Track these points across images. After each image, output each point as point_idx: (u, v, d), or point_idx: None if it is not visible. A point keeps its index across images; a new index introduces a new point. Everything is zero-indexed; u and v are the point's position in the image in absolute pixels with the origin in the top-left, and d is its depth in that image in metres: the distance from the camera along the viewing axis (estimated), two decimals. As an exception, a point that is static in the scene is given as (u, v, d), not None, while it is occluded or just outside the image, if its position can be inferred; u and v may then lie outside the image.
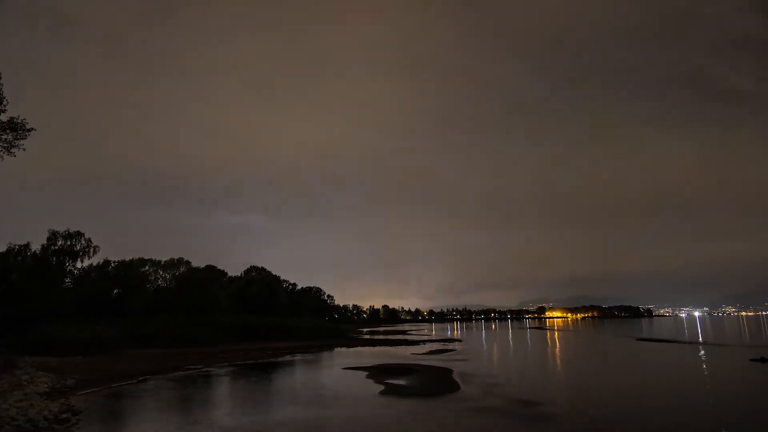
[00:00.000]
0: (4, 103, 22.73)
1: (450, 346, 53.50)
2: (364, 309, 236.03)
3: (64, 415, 15.80)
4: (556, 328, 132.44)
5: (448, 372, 27.95)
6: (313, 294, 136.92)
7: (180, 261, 71.03)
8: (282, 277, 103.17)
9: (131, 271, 60.23)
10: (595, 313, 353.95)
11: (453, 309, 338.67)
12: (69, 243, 50.75)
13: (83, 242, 51.65)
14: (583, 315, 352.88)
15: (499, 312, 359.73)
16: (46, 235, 49.99)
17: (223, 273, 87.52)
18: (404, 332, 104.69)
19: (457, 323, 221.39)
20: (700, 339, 61.85)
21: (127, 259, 62.72)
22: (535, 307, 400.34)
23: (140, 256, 67.03)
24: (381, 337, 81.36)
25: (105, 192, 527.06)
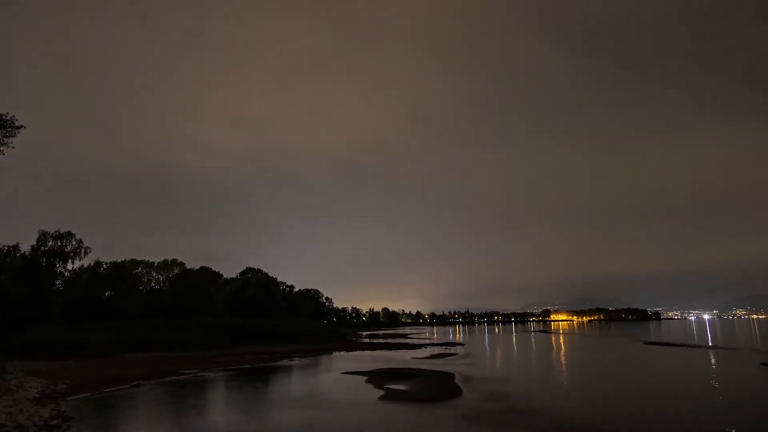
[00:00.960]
0: None
1: (452, 350, 53.51)
2: (364, 312, 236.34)
3: (55, 421, 15.81)
4: (561, 331, 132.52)
5: (449, 377, 27.96)
6: (311, 296, 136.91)
7: (174, 262, 71.05)
8: (279, 279, 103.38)
9: (124, 273, 60.28)
10: (602, 316, 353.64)
11: (455, 312, 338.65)
12: (59, 244, 50.81)
13: (74, 243, 51.72)
14: (589, 318, 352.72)
15: (503, 315, 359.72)
16: (35, 235, 50.11)
17: (218, 275, 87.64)
18: (405, 335, 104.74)
19: (459, 326, 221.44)
20: (710, 343, 61.86)
21: (119, 260, 62.86)
22: (540, 310, 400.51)
23: (133, 257, 67.17)
24: (381, 340, 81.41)
25: (101, 189, 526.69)
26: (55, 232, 50.83)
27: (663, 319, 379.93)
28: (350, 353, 50.56)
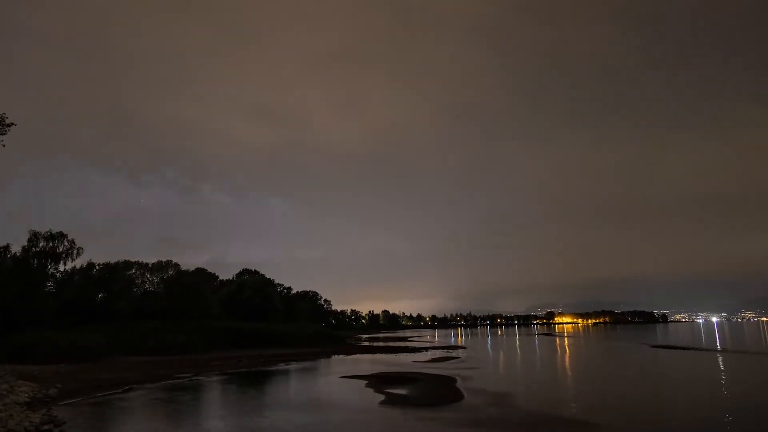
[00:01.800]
0: None
1: (453, 353, 53.53)
2: (363, 314, 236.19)
3: (46, 427, 15.79)
4: (565, 334, 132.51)
5: (451, 381, 27.98)
6: (309, 298, 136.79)
7: (168, 263, 71.09)
8: (277, 281, 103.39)
9: (117, 274, 60.26)
10: (607, 319, 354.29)
11: (457, 314, 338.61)
12: (51, 244, 50.75)
13: (66, 244, 51.69)
14: (594, 321, 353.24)
15: (506, 317, 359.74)
16: (26, 236, 50.07)
17: (214, 276, 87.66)
18: (405, 338, 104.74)
19: (461, 329, 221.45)
20: (718, 346, 61.87)
21: (112, 261, 62.85)
22: (544, 313, 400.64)
23: (126, 259, 67.20)
24: (381, 343, 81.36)
25: (97, 185, 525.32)
26: (47, 232, 50.80)
27: (670, 321, 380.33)
28: (349, 357, 50.56)
